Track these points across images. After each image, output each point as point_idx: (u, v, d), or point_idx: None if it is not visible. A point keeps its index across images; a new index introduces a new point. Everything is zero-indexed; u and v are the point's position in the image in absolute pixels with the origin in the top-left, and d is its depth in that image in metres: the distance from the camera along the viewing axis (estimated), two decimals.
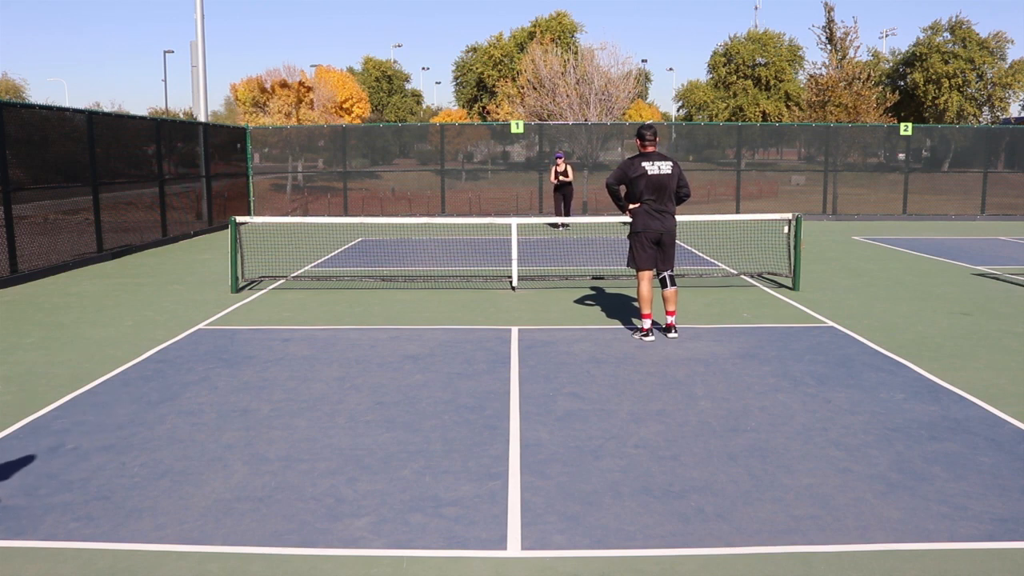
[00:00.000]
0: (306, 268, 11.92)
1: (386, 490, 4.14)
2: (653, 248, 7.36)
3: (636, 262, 7.42)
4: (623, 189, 7.55)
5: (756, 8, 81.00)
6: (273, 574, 3.35)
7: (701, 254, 13.31)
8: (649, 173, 7.21)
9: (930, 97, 42.79)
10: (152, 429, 5.03)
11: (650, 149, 7.33)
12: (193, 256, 13.69)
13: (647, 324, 7.42)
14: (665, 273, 7.47)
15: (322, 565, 3.42)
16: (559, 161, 17.78)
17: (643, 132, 7.36)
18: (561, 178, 17.78)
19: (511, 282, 10.23)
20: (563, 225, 17.88)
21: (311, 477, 4.30)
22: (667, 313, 7.51)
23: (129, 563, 3.43)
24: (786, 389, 5.86)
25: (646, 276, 7.41)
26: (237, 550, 3.53)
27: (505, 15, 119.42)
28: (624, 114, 33.16)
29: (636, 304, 9.12)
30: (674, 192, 7.35)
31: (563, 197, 17.92)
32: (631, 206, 7.41)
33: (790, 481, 4.24)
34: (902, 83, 44.51)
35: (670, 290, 7.45)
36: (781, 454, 4.61)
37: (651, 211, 7.27)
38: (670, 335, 7.46)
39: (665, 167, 7.26)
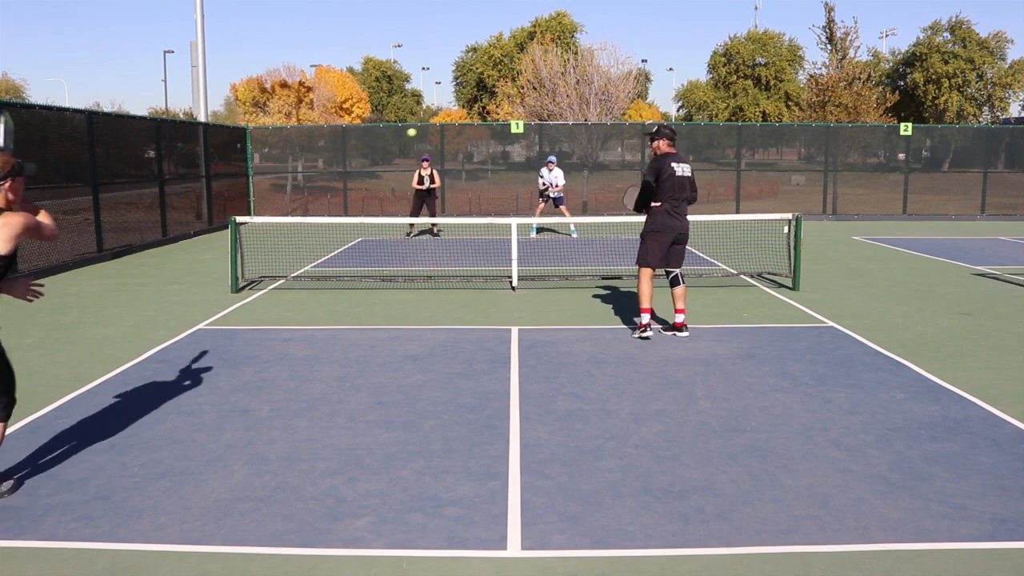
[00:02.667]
0: (306, 268, 11.91)
1: (386, 490, 4.14)
2: (667, 248, 7.38)
3: (647, 258, 7.41)
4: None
5: (756, 8, 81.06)
6: (273, 574, 3.35)
7: (701, 254, 13.31)
8: (677, 174, 7.28)
9: (930, 97, 42.81)
10: (152, 429, 5.03)
11: (673, 150, 7.42)
12: (193, 256, 13.69)
13: (646, 319, 7.43)
14: (676, 271, 7.51)
15: (322, 565, 3.42)
16: (424, 164, 16.09)
17: (671, 133, 7.42)
18: (425, 184, 16.04)
19: (511, 282, 10.22)
20: (435, 231, 16.61)
21: (311, 477, 4.30)
22: (677, 311, 7.52)
23: (129, 563, 3.43)
24: (786, 389, 5.86)
25: (650, 274, 7.45)
26: (237, 550, 3.53)
27: (505, 15, 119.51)
28: (624, 114, 33.17)
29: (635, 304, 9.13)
30: (690, 197, 7.47)
31: (423, 202, 16.23)
32: (653, 204, 7.39)
33: (790, 481, 4.24)
34: (902, 83, 44.53)
35: (680, 288, 7.50)
36: (781, 454, 4.61)
37: (671, 211, 7.32)
38: (681, 334, 7.47)
39: (687, 169, 7.38)
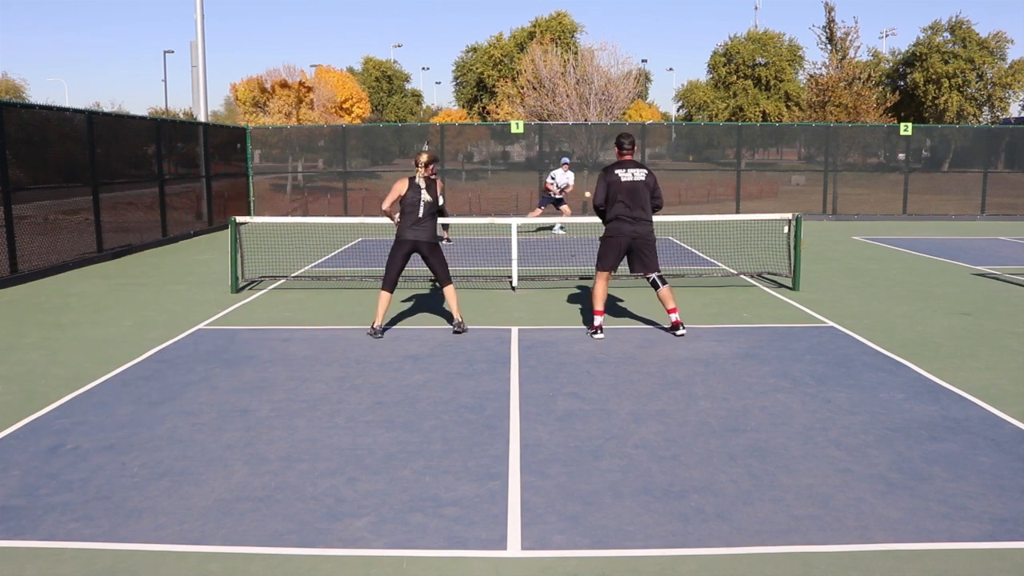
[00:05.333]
0: (306, 268, 11.92)
1: (386, 490, 4.14)
2: (621, 252, 7.44)
3: (600, 261, 7.54)
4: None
5: (756, 8, 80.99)
6: (273, 574, 3.35)
7: (701, 254, 13.30)
8: (622, 180, 7.33)
9: (930, 97, 42.79)
10: (152, 429, 5.03)
11: (627, 157, 7.47)
12: (193, 256, 13.69)
13: (598, 321, 7.52)
14: (652, 275, 7.50)
15: (322, 565, 3.42)
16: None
17: (621, 140, 7.51)
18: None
19: (511, 282, 10.22)
20: (447, 238, 15.91)
21: (311, 477, 4.30)
22: (668, 312, 7.53)
23: (129, 563, 3.43)
24: (786, 389, 5.86)
25: (604, 276, 7.53)
26: (237, 550, 3.53)
27: (505, 15, 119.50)
28: (624, 114, 33.17)
29: (635, 304, 9.12)
30: (648, 200, 7.38)
31: None
32: (609, 213, 7.47)
33: (790, 481, 4.24)
34: (902, 83, 44.50)
35: (663, 290, 7.50)
36: (781, 454, 4.61)
37: (624, 216, 7.34)
38: (677, 333, 7.48)
39: (639, 174, 7.37)
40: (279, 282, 10.59)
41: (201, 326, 8.02)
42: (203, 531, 3.69)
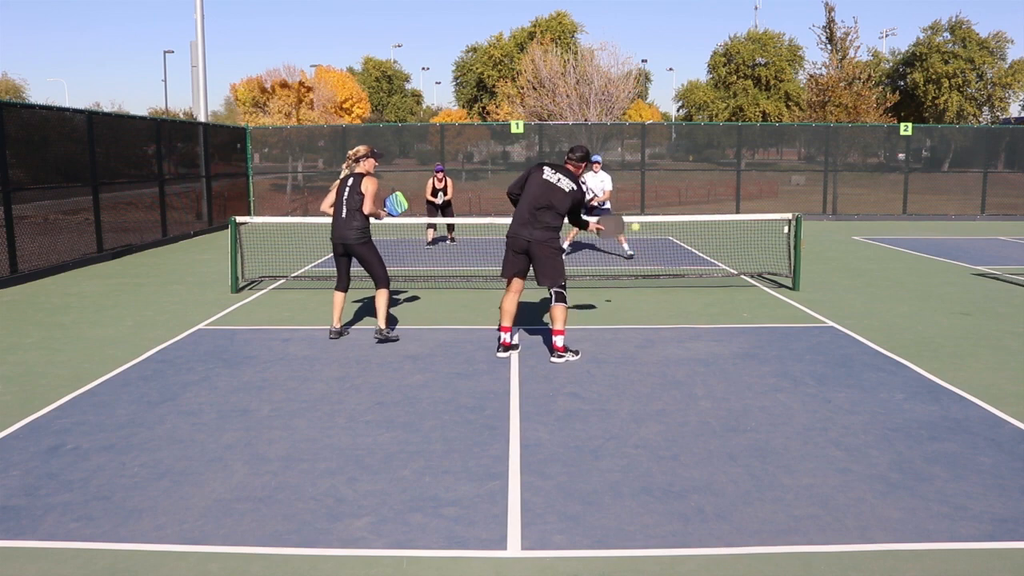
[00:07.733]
0: (306, 268, 11.91)
1: (386, 490, 4.14)
2: (513, 258, 6.60)
3: (503, 268, 6.76)
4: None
5: (756, 8, 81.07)
6: (273, 574, 3.35)
7: (701, 254, 13.31)
8: (543, 177, 6.51)
9: (930, 97, 42.81)
10: (152, 429, 5.03)
11: (567, 165, 6.68)
12: (193, 256, 13.69)
13: (503, 337, 6.72)
14: (550, 289, 6.58)
15: (322, 565, 3.42)
16: (439, 176, 14.66)
17: (569, 151, 6.72)
18: (438, 196, 14.72)
19: None
20: (451, 238, 15.71)
21: (311, 477, 4.30)
22: (552, 332, 6.58)
23: (129, 563, 3.43)
24: (786, 389, 5.86)
25: (507, 286, 6.75)
26: (237, 550, 3.53)
27: (505, 15, 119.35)
28: (624, 114, 33.18)
29: (633, 304, 9.12)
30: (563, 209, 6.51)
31: (440, 212, 14.80)
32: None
33: (790, 481, 4.24)
34: (902, 83, 44.53)
35: (553, 308, 6.51)
36: (781, 454, 4.61)
37: (518, 218, 6.56)
38: (552, 357, 6.57)
39: (565, 183, 6.49)
40: (279, 282, 10.58)
41: (201, 326, 8.02)
42: (203, 531, 3.69)
